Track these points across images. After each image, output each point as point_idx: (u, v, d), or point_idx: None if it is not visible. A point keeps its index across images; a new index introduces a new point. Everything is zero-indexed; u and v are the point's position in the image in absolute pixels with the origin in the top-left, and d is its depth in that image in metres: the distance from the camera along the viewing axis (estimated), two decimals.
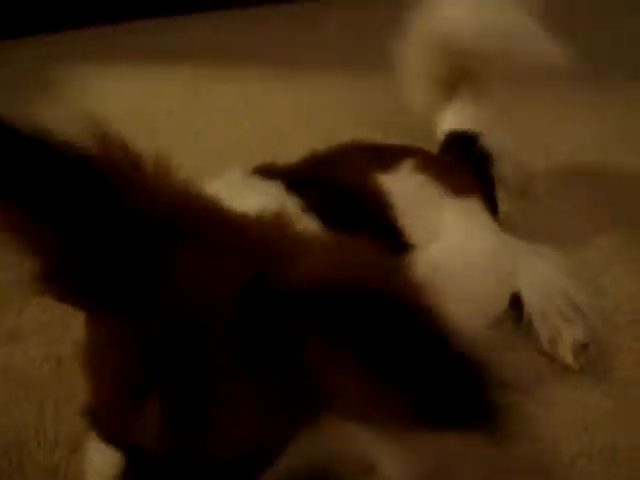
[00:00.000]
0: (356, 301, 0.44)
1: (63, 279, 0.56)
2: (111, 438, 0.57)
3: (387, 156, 1.13)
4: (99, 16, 2.56)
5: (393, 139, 1.73)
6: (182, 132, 1.88)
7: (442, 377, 0.45)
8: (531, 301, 1.17)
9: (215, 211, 0.59)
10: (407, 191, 1.04)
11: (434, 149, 1.39)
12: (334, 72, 2.24)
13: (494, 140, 1.34)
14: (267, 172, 0.97)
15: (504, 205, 1.38)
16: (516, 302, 1.19)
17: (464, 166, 1.27)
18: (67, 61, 2.27)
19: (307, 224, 0.69)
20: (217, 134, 1.87)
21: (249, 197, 0.72)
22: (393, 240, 0.91)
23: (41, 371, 1.14)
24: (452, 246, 1.06)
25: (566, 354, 1.13)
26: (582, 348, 1.13)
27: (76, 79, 2.14)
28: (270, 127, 1.90)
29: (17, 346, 1.19)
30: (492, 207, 1.27)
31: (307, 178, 0.92)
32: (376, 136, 1.81)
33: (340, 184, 0.92)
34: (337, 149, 1.17)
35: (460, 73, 1.37)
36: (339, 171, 0.98)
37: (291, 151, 1.74)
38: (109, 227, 0.54)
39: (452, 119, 1.42)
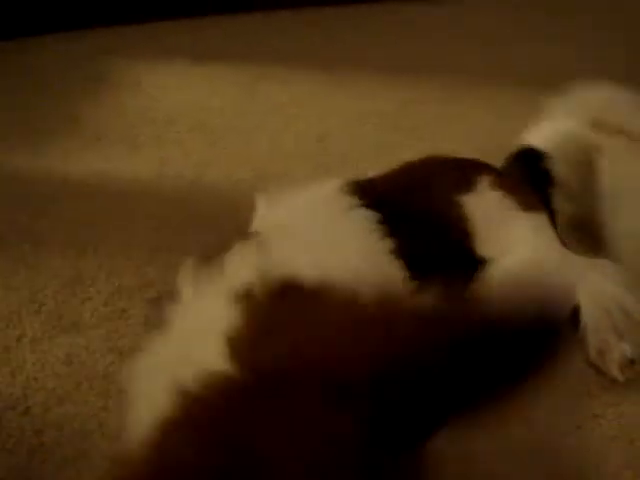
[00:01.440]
0: None
1: None
2: None
3: (467, 171, 1.18)
4: (153, 12, 2.60)
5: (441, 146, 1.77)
6: (234, 131, 1.91)
7: None
8: (587, 313, 1.20)
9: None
10: (486, 209, 1.08)
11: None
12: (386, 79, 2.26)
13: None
14: (357, 190, 1.00)
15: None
16: (575, 315, 1.22)
17: (527, 183, 1.30)
18: (121, 55, 2.31)
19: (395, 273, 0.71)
20: (270, 134, 1.91)
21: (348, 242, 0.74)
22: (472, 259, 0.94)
23: (104, 363, 1.18)
24: (522, 259, 1.10)
25: (613, 367, 1.15)
26: (629, 363, 1.15)
27: (130, 74, 2.18)
28: (321, 130, 1.94)
29: (80, 338, 1.23)
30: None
31: (394, 200, 0.95)
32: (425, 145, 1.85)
33: (426, 211, 0.96)
34: (420, 165, 1.21)
35: None
36: (425, 193, 1.02)
37: (344, 155, 1.82)
38: None
39: (535, 135, 1.44)
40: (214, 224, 1.53)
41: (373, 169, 1.72)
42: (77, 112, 1.94)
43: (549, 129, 1.42)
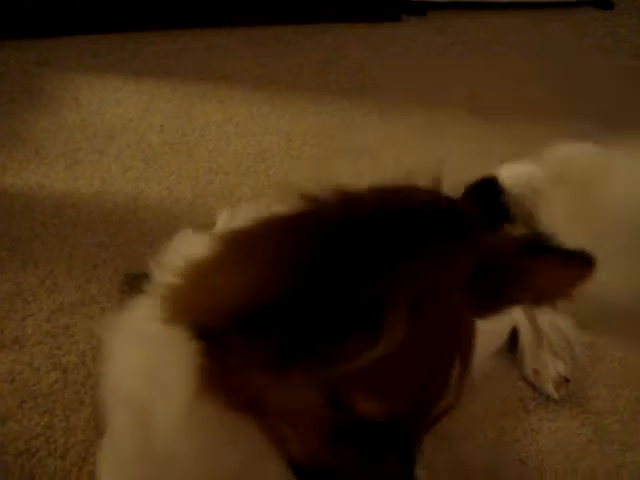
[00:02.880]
0: None
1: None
2: None
3: None
4: (89, 25, 2.57)
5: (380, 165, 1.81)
6: (174, 148, 1.91)
7: None
8: (524, 333, 1.26)
9: None
10: None
11: None
12: (324, 99, 2.30)
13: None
14: None
15: None
16: (513, 335, 1.28)
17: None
18: (58, 68, 2.27)
19: None
20: (209, 152, 1.91)
21: None
22: None
23: (48, 380, 1.17)
24: None
25: (548, 385, 1.21)
26: (564, 381, 1.21)
27: (68, 88, 2.15)
28: (260, 148, 1.96)
29: (22, 355, 1.22)
30: None
31: None
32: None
33: None
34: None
35: None
36: None
37: (284, 173, 1.84)
38: None
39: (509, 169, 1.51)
40: (155, 241, 1.53)
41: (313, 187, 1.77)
42: (15, 126, 1.91)
43: (515, 171, 1.50)
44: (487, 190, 1.45)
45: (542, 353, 1.25)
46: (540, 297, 0.70)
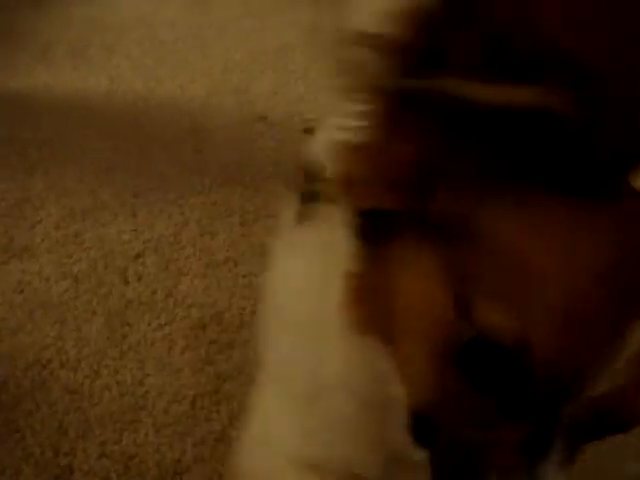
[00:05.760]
0: None
1: None
2: None
3: None
4: None
5: None
6: (187, 45, 1.81)
7: None
8: None
9: None
10: None
11: None
12: None
13: None
14: None
15: None
16: None
17: None
18: None
19: None
20: (225, 48, 1.81)
21: None
22: None
23: (58, 290, 1.12)
24: None
25: None
26: None
27: None
28: (279, 43, 1.85)
29: (31, 264, 1.17)
30: None
31: None
32: None
33: None
34: None
35: None
36: None
37: (305, 68, 1.74)
38: None
39: None
40: (170, 142, 1.46)
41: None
42: (20, 24, 1.81)
43: None
44: None
45: None
46: None
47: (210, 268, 1.17)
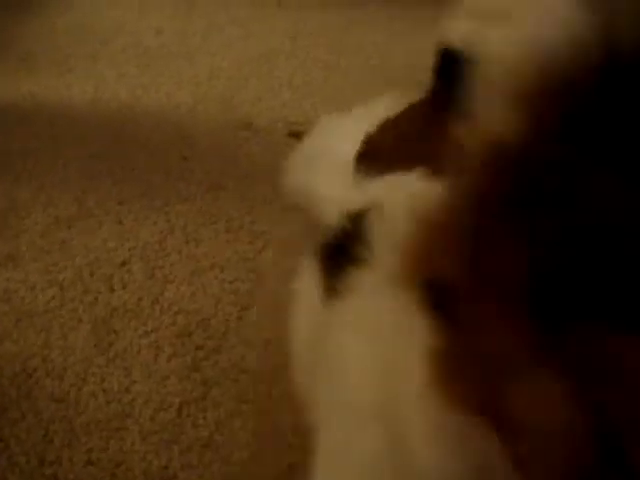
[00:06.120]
0: None
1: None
2: None
3: None
4: None
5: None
6: (172, 52, 1.81)
7: None
8: None
9: None
10: None
11: None
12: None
13: None
14: None
15: None
16: None
17: None
18: None
19: None
20: (210, 56, 1.81)
21: None
22: None
23: (44, 298, 1.12)
24: None
25: None
26: None
27: None
28: (264, 50, 1.85)
29: (16, 273, 1.16)
30: None
31: None
32: None
33: None
34: None
35: None
36: None
37: (290, 75, 1.74)
38: None
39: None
40: (155, 150, 1.46)
41: (321, 91, 1.67)
42: (3, 32, 1.81)
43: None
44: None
45: None
46: None
47: (196, 275, 1.17)
